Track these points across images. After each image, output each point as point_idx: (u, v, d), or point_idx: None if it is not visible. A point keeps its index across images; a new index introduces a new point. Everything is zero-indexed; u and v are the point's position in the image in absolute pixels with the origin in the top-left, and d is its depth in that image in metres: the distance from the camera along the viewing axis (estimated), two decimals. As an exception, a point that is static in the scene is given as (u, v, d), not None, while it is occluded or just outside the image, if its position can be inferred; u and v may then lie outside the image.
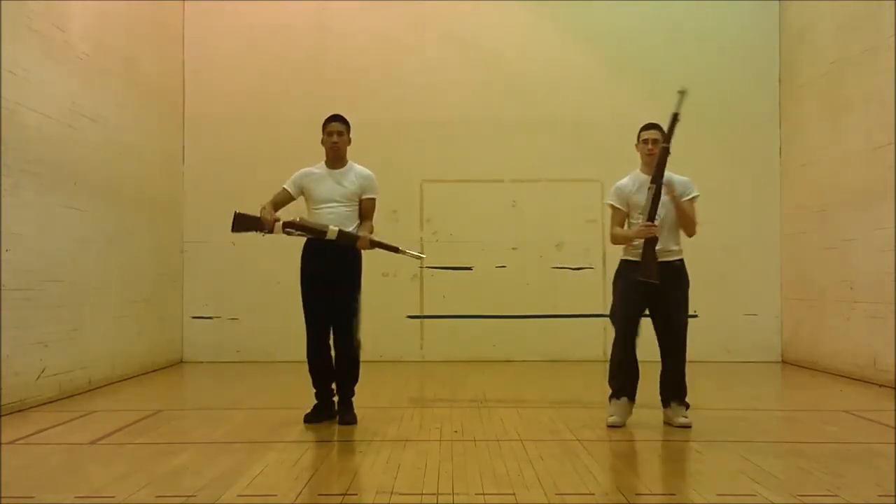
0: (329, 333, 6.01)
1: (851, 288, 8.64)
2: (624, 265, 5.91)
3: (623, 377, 5.86)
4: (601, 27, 10.53)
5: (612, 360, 5.92)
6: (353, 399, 6.06)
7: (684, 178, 5.89)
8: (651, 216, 5.64)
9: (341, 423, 5.97)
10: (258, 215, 5.82)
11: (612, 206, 5.94)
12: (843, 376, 8.68)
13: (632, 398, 5.88)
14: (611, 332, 5.95)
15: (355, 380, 6.08)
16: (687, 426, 5.75)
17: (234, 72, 10.42)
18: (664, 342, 5.84)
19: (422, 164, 10.31)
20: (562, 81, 10.47)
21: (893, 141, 7.84)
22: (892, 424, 5.94)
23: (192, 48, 10.45)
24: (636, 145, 5.95)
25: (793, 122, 10.16)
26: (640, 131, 5.92)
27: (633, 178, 5.93)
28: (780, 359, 10.32)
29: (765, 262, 10.38)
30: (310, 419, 6.01)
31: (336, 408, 6.09)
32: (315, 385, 6.09)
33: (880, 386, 7.92)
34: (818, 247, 9.41)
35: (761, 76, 10.45)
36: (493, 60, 10.50)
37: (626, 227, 5.90)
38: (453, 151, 10.40)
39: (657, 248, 5.69)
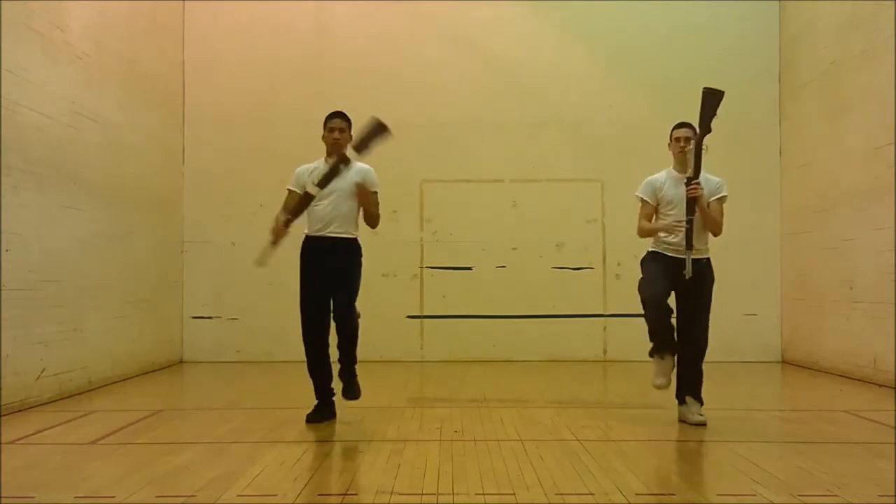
0: (327, 332, 5.97)
1: (851, 288, 8.64)
2: (651, 255, 5.91)
3: (661, 333, 5.79)
4: (601, 27, 10.54)
5: (647, 320, 5.83)
6: (356, 385, 6.00)
7: (718, 179, 5.90)
8: (696, 173, 5.65)
9: (344, 397, 5.96)
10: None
11: (642, 200, 5.95)
12: (843, 376, 8.68)
13: (673, 354, 5.83)
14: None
15: (353, 357, 5.95)
16: (702, 424, 5.76)
17: (234, 71, 10.43)
18: (685, 339, 5.81)
19: (422, 164, 10.32)
20: (562, 81, 10.47)
21: (893, 141, 7.84)
22: (892, 424, 5.94)
23: (192, 48, 10.46)
24: (668, 144, 5.99)
25: (793, 122, 10.16)
26: (673, 130, 5.96)
27: (666, 174, 5.96)
28: (780, 359, 10.33)
29: (765, 262, 10.39)
30: (312, 418, 6.01)
31: (335, 406, 6.10)
32: (315, 384, 6.08)
33: (880, 386, 7.92)
34: (818, 247, 9.41)
35: (761, 76, 10.46)
36: (493, 60, 10.50)
37: (653, 221, 5.90)
38: (453, 151, 10.40)
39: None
